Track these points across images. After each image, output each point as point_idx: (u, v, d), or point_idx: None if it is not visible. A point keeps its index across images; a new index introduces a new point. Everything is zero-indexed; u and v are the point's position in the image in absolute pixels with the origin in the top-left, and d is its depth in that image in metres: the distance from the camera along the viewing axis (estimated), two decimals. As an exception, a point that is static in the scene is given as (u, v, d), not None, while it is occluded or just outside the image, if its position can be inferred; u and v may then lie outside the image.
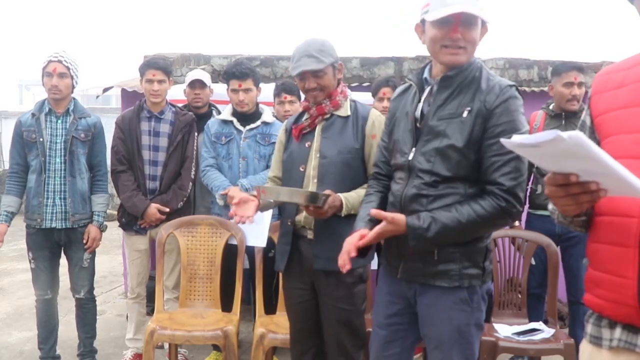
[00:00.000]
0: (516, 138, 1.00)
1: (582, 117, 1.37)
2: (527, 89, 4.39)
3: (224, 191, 2.95)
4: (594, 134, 1.31)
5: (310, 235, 2.13)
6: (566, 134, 0.91)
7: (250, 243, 2.91)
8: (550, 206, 1.29)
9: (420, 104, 1.72)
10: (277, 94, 3.28)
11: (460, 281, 1.64)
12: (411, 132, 1.72)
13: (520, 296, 2.94)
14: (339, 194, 2.01)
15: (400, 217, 1.62)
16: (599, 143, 1.29)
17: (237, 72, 2.97)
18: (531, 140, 0.96)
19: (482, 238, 1.67)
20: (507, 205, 1.56)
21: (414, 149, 1.69)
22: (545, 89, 3.21)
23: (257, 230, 2.90)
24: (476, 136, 1.59)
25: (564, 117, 2.99)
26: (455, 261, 1.64)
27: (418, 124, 1.71)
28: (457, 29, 1.57)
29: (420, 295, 1.73)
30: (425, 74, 1.76)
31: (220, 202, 3.01)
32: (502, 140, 1.08)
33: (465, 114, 1.60)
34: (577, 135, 0.91)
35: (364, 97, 3.36)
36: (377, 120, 2.14)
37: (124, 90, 4.32)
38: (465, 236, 1.63)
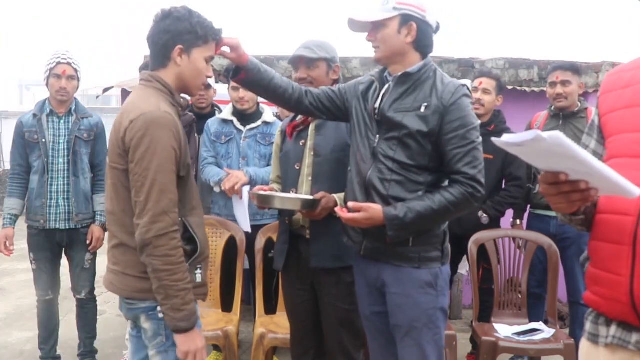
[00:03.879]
0: (505, 137, 1.03)
1: (592, 117, 1.38)
2: (527, 89, 4.39)
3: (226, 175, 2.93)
4: (602, 134, 1.32)
5: (308, 235, 2.14)
6: (546, 134, 0.93)
7: (245, 226, 2.91)
8: None
9: (379, 98, 1.86)
10: None
11: (420, 263, 1.77)
12: (373, 122, 1.86)
13: (520, 296, 2.94)
14: (333, 195, 2.02)
15: (377, 209, 1.73)
16: (604, 142, 1.29)
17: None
18: (515, 139, 0.99)
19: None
20: (473, 190, 1.71)
21: (377, 136, 1.83)
22: (545, 88, 3.23)
23: (241, 214, 2.92)
24: (433, 129, 1.73)
25: (562, 117, 3.02)
26: (415, 244, 1.78)
27: (376, 115, 1.85)
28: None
29: (387, 281, 1.82)
30: (386, 73, 1.90)
31: (217, 190, 3.00)
32: (493, 139, 1.11)
33: (423, 109, 1.74)
34: (556, 135, 0.93)
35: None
36: None
37: (124, 91, 4.33)
38: (437, 222, 1.78)
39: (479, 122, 1.77)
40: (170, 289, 1.51)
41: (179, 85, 1.68)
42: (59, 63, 2.82)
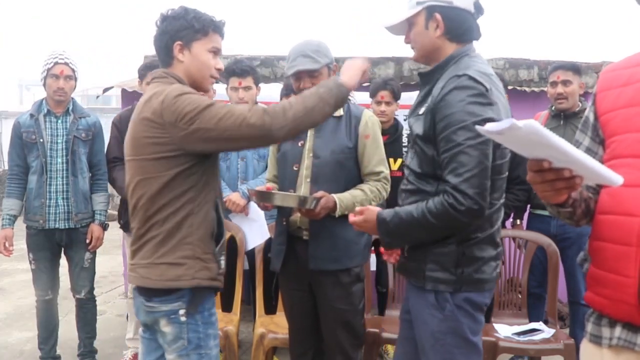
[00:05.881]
0: (487, 125, 1.03)
1: (585, 114, 1.36)
2: (527, 89, 4.38)
3: (224, 199, 2.94)
4: (597, 131, 1.31)
5: (305, 236, 2.13)
6: (522, 122, 0.95)
7: (252, 245, 2.90)
8: None
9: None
10: (285, 94, 3.27)
11: (424, 282, 1.61)
12: None
13: (520, 296, 2.94)
14: (333, 195, 2.02)
15: (372, 211, 1.65)
16: (603, 141, 1.29)
17: (237, 69, 2.95)
18: (494, 127, 1.00)
19: (453, 242, 1.57)
20: (453, 201, 1.48)
21: (408, 146, 1.76)
22: (545, 88, 3.23)
23: (257, 229, 2.90)
24: (427, 132, 1.57)
25: (563, 117, 3.01)
26: (420, 261, 1.62)
27: None
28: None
29: (408, 294, 1.76)
30: None
31: None
32: (477, 127, 1.08)
33: (422, 110, 1.61)
34: (531, 124, 0.94)
35: (363, 97, 3.36)
36: (370, 121, 2.15)
37: (124, 91, 4.31)
38: (423, 233, 1.57)
39: (479, 117, 1.47)
40: (317, 102, 1.60)
41: (188, 82, 1.69)
42: (56, 63, 2.81)
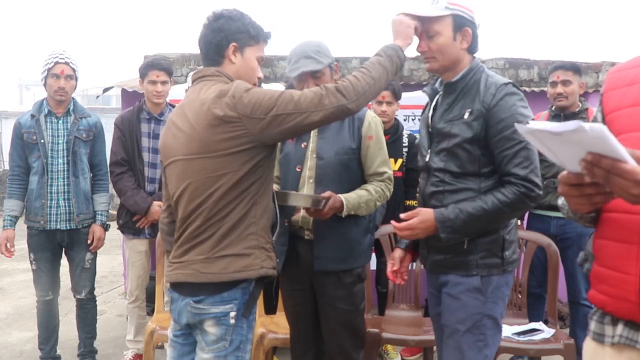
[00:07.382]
0: (534, 124, 0.99)
1: (594, 114, 1.37)
2: (527, 89, 4.39)
3: None
4: None
5: (308, 236, 2.13)
6: (588, 125, 0.91)
7: None
8: (560, 201, 1.31)
9: (430, 111, 1.88)
10: None
11: (477, 270, 1.74)
12: (427, 136, 1.88)
13: (520, 296, 2.94)
14: (340, 195, 2.02)
15: (428, 211, 1.74)
16: None
17: None
18: (552, 128, 0.95)
19: (498, 229, 1.76)
20: (525, 190, 1.67)
21: (429, 151, 1.84)
22: (545, 88, 3.23)
23: None
24: (478, 135, 1.72)
25: (563, 117, 3.01)
26: (473, 252, 1.75)
27: (430, 129, 1.86)
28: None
29: (444, 282, 1.82)
30: (437, 84, 1.89)
31: None
32: (517, 125, 1.07)
33: (466, 115, 1.73)
34: (599, 128, 0.90)
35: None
36: (372, 122, 2.15)
37: (124, 91, 4.31)
38: (491, 223, 1.73)
39: (529, 117, 1.72)
40: (379, 74, 1.67)
41: None
42: (57, 63, 2.80)
